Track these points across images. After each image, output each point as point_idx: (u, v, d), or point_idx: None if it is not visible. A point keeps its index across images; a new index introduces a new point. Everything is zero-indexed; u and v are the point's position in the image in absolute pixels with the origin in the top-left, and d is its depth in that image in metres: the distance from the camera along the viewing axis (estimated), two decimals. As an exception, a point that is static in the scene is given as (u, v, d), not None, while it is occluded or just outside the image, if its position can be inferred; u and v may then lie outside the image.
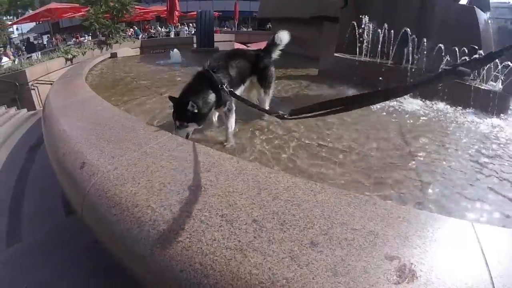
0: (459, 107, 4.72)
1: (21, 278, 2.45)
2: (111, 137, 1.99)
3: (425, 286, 1.06)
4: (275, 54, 2.89)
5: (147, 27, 23.57)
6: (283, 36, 2.79)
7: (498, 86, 6.15)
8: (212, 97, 2.23)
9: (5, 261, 2.79)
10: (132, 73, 5.50)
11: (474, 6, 7.09)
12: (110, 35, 13.39)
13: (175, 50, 6.99)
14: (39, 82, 10.11)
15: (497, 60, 5.75)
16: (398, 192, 2.07)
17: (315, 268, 1.04)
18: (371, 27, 5.19)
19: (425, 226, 1.38)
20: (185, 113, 2.10)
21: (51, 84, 9.10)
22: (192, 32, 18.97)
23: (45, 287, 2.30)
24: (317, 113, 1.51)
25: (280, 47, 2.86)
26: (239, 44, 13.84)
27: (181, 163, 1.60)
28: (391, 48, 5.37)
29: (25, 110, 8.99)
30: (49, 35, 23.67)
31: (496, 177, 2.48)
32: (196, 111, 2.08)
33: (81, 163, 1.75)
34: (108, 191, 1.48)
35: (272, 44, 2.83)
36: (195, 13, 10.96)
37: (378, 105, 4.08)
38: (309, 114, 1.53)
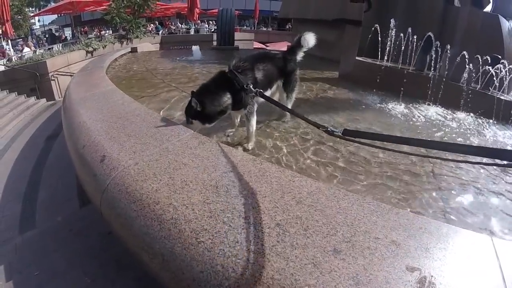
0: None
1: (34, 264, 2.49)
2: (132, 131, 2.00)
3: None
4: (299, 56, 2.82)
5: (167, 23, 23.74)
6: (309, 39, 2.69)
7: (521, 97, 5.99)
8: (226, 98, 2.20)
9: (19, 247, 2.85)
10: (152, 68, 5.54)
11: (498, 14, 6.92)
12: (131, 30, 13.53)
13: (195, 47, 7.01)
14: (60, 73, 10.31)
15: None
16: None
17: (337, 276, 1.03)
18: (393, 31, 5.11)
19: (446, 238, 1.35)
20: (190, 109, 2.12)
21: (71, 75, 9.29)
22: (212, 30, 19.04)
23: (56, 276, 2.33)
24: (368, 141, 1.46)
25: (305, 49, 2.77)
26: (259, 44, 13.82)
27: (203, 162, 1.59)
28: (413, 54, 5.29)
29: (44, 100, 9.18)
30: (71, 27, 24.10)
31: None
32: (199, 109, 2.07)
33: (102, 156, 1.76)
34: (128, 186, 1.48)
35: (297, 46, 2.74)
36: (215, 10, 11.01)
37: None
38: (362, 140, 1.48)
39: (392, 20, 5.06)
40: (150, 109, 2.47)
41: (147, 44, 9.21)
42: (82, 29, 22.02)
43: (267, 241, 1.11)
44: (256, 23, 27.80)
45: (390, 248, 1.18)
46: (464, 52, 4.56)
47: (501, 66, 5.03)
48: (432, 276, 1.11)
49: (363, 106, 4.16)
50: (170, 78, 4.71)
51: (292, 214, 1.23)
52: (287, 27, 20.03)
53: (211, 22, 22.92)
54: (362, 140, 1.50)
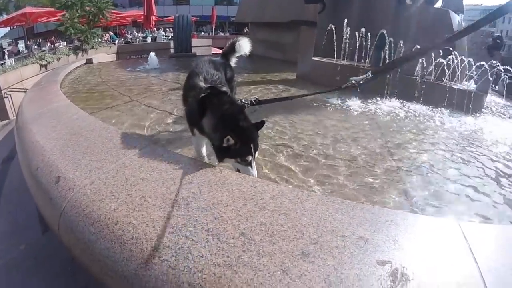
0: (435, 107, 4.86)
1: (-1, 300, 2.31)
2: (87, 148, 1.91)
3: None
4: (233, 62, 2.65)
5: (123, 32, 23.15)
6: (245, 45, 2.53)
7: (472, 85, 6.36)
8: None
9: (-21, 280, 2.63)
10: (108, 79, 5.38)
11: (448, 9, 7.34)
12: (86, 40, 13.05)
13: (152, 55, 6.86)
14: (13, 90, 9.74)
15: (472, 60, 5.98)
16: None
17: (308, 280, 1.01)
18: (348, 30, 5.28)
19: (413, 228, 1.38)
20: (224, 150, 1.69)
21: (25, 92, 8.78)
22: (169, 37, 18.76)
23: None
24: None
25: (238, 55, 2.60)
26: (217, 49, 13.78)
27: (162, 175, 1.53)
28: (368, 51, 5.49)
29: (-3, 119, 8.62)
30: (24, 40, 22.90)
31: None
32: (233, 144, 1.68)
33: (56, 178, 1.67)
34: (85, 207, 1.40)
35: (232, 52, 2.57)
36: (172, 17, 10.83)
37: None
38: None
39: (345, 20, 5.22)
40: (105, 123, 2.38)
41: (103, 55, 8.92)
42: (38, 40, 20.97)
43: (232, 252, 1.08)
44: (213, 29, 27.89)
45: (359, 244, 1.18)
46: (417, 46, 4.77)
47: (453, 57, 5.32)
48: (403, 267, 1.12)
49: (320, 104, 4.25)
50: (127, 89, 4.60)
51: (256, 221, 1.21)
52: (245, 31, 20.14)
53: (168, 29, 22.62)
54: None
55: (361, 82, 2.56)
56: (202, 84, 1.87)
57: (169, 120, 3.11)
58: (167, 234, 1.17)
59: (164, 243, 1.14)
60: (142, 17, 15.98)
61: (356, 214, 1.35)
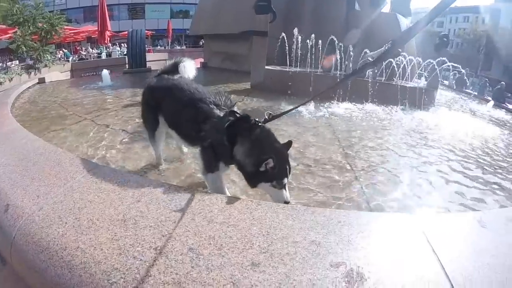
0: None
1: None
2: (35, 173, 1.84)
3: (375, 287, 1.07)
4: None
5: (77, 48, 22.38)
6: (190, 68, 2.31)
7: (423, 82, 6.74)
8: None
9: None
10: (60, 99, 5.20)
11: (396, 13, 7.77)
12: (39, 58, 12.48)
13: (105, 72, 6.67)
14: (-38, 115, 9.08)
15: (420, 59, 6.33)
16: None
17: (260, 290, 1.01)
18: (299, 38, 5.43)
19: (367, 226, 1.41)
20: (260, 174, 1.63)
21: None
22: (125, 52, 18.37)
23: None
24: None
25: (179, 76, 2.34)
26: None
27: (109, 196, 1.51)
28: (320, 57, 5.68)
29: None
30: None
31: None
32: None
33: (5, 206, 1.60)
34: (34, 235, 1.35)
35: (173, 72, 2.32)
36: (127, 32, 10.61)
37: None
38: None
39: (296, 29, 5.38)
40: (55, 146, 2.30)
41: (56, 73, 8.59)
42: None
43: (181, 269, 1.07)
44: (170, 42, 27.66)
45: (311, 248, 1.20)
46: (366, 50, 5.01)
47: (402, 58, 5.62)
48: (358, 266, 1.14)
49: (273, 111, 4.31)
50: (80, 108, 4.46)
51: (204, 235, 1.21)
52: (201, 43, 20.11)
53: (123, 44, 22.13)
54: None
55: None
56: (217, 111, 1.79)
57: (121, 139, 3.05)
58: (115, 256, 1.15)
59: (113, 266, 1.11)
60: (97, 32, 15.51)
61: (307, 219, 1.37)
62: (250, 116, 1.72)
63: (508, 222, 1.70)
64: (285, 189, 1.63)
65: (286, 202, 1.62)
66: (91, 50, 21.81)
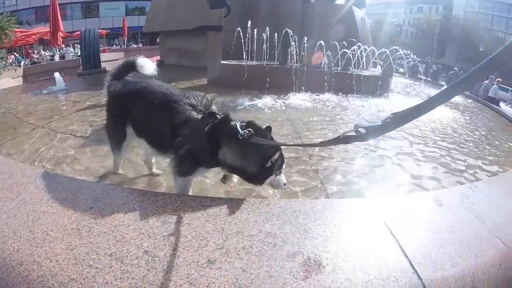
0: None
1: None
2: (-14, 188, 1.74)
3: (334, 273, 1.11)
4: None
5: (29, 52, 21.06)
6: (148, 65, 2.17)
7: (378, 70, 7.02)
8: None
9: None
10: (12, 106, 4.88)
11: (352, 5, 8.02)
12: (-12, 64, 11.63)
13: (57, 75, 6.34)
14: None
15: (374, 48, 6.58)
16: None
17: (217, 286, 1.03)
18: (255, 32, 5.46)
19: (323, 214, 1.46)
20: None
21: None
22: (79, 54, 17.56)
23: None
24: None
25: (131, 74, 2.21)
26: None
27: (63, 204, 1.47)
28: (275, 50, 5.75)
29: None
30: None
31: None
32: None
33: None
34: (-10, 252, 1.30)
35: (128, 71, 2.18)
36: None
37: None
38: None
39: (249, 22, 5.40)
40: (6, 158, 2.21)
41: (8, 80, 8.04)
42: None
43: (137, 273, 1.07)
44: (126, 41, 26.77)
45: (267, 241, 1.23)
46: (321, 41, 5.14)
47: (356, 47, 5.82)
48: (316, 254, 1.17)
49: (233, 106, 4.38)
50: (32, 115, 4.22)
51: (159, 237, 1.21)
52: (158, 40, 19.65)
53: (76, 45, 21.15)
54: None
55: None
56: (193, 113, 1.64)
57: (74, 144, 2.95)
58: (71, 266, 1.13)
59: (69, 276, 1.10)
60: (49, 34, 14.67)
61: (262, 211, 1.40)
62: (230, 116, 1.62)
63: (464, 199, 1.81)
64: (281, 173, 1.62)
65: (284, 185, 1.65)
66: (43, 52, 20.64)
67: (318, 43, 5.17)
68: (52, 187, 1.64)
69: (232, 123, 1.54)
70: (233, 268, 1.09)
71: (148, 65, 2.15)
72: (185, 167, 1.64)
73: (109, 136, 2.11)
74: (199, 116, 1.61)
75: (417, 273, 1.16)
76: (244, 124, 1.55)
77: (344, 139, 1.19)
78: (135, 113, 1.86)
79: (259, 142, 1.47)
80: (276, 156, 1.49)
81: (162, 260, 1.11)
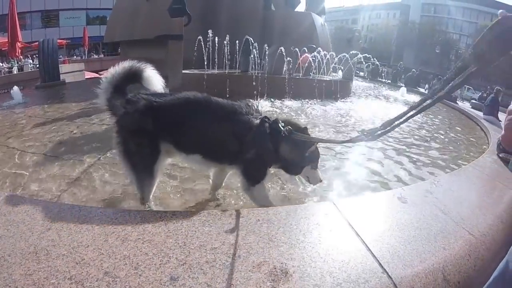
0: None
1: None
2: None
3: (301, 280, 1.12)
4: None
5: (-15, 64, 19.79)
6: (156, 80, 2.02)
7: (339, 75, 7.28)
8: None
9: None
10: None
11: (311, 12, 8.25)
12: None
13: (15, 88, 6.05)
14: None
15: (334, 54, 6.81)
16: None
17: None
18: (216, 40, 5.49)
19: (287, 220, 1.48)
20: None
21: None
22: (38, 65, 16.70)
23: None
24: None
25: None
26: (91, 73, 12.74)
27: (19, 228, 1.40)
28: (237, 57, 5.81)
29: None
30: None
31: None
32: None
33: None
34: None
35: (130, 82, 1.95)
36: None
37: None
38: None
39: (210, 31, 5.43)
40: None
41: (-38, 97, 7.44)
42: None
43: (98, 296, 1.04)
44: (86, 51, 25.94)
45: (231, 252, 1.23)
46: (281, 48, 5.26)
47: (316, 53, 6.00)
48: (282, 263, 1.18)
49: None
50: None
51: (119, 256, 1.19)
52: (119, 50, 19.13)
53: (35, 56, 20.18)
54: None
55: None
56: (253, 119, 1.80)
57: (31, 161, 2.82)
58: (29, 293, 1.08)
59: (27, 304, 1.05)
60: (7, 44, 13.89)
61: (224, 222, 1.41)
62: (278, 119, 1.83)
63: (427, 194, 1.92)
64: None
65: (321, 181, 1.90)
66: (1, 64, 19.43)
67: (279, 49, 5.27)
68: (8, 209, 1.55)
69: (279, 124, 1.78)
70: (197, 284, 1.08)
71: (156, 80, 2.00)
72: (258, 171, 1.82)
73: (133, 164, 1.82)
74: (257, 122, 1.79)
75: (386, 272, 1.19)
76: (283, 124, 1.78)
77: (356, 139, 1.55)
78: (183, 128, 1.79)
79: (300, 138, 1.71)
80: (313, 147, 1.76)
81: (124, 281, 1.08)
